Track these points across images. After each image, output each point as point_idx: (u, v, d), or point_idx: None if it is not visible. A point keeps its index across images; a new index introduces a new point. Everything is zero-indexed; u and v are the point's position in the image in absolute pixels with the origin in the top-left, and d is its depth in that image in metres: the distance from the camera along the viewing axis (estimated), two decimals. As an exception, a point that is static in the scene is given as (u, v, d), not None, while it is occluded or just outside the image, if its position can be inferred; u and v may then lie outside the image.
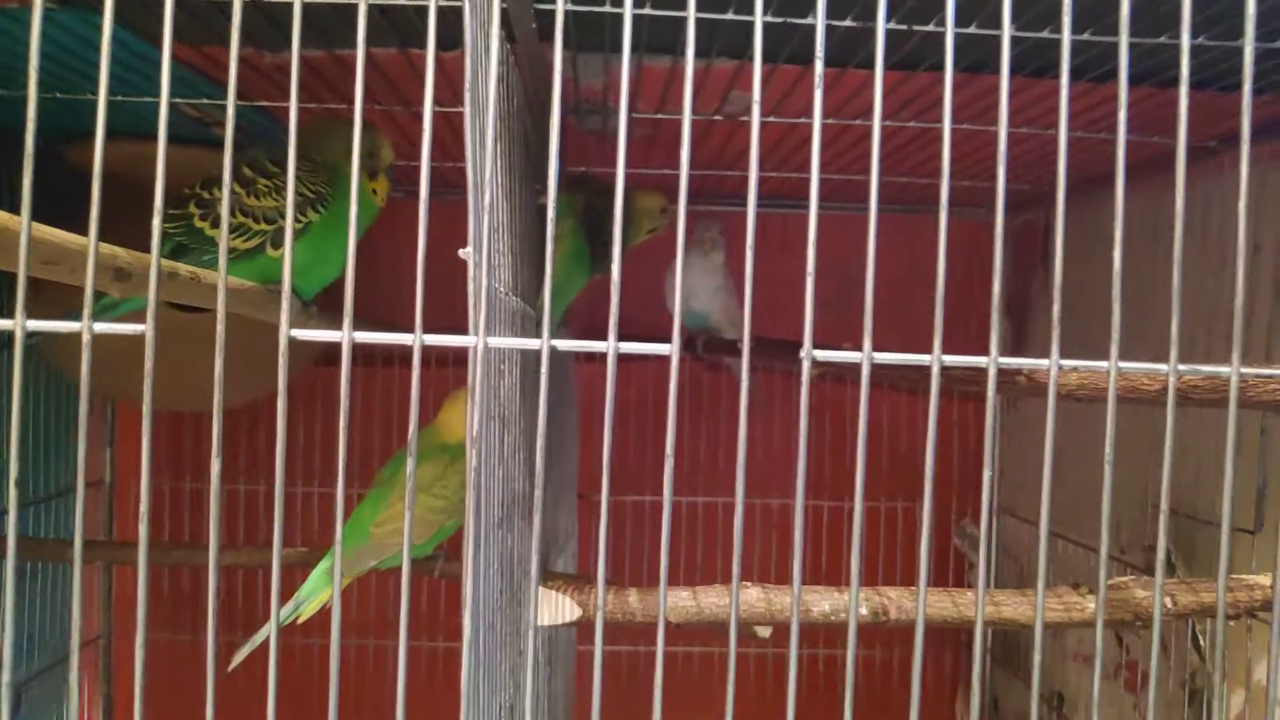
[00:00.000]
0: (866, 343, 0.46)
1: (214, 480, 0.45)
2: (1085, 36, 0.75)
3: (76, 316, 0.61)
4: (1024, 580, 1.44)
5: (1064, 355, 0.46)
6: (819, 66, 0.45)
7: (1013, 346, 1.45)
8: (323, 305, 0.87)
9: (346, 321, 0.44)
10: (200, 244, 0.77)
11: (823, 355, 0.46)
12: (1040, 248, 1.40)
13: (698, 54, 0.82)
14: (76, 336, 0.46)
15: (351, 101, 0.93)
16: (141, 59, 0.87)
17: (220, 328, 0.46)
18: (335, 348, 0.45)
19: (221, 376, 0.46)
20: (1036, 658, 0.50)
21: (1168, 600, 0.91)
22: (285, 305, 0.45)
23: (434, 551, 1.00)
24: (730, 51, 0.79)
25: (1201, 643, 1.03)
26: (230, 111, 0.48)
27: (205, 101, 0.95)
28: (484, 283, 0.44)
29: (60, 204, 0.67)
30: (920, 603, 0.49)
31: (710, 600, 0.87)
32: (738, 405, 0.46)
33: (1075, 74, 0.86)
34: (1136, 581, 0.92)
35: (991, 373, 0.46)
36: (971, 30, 0.72)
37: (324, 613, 0.94)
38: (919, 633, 0.49)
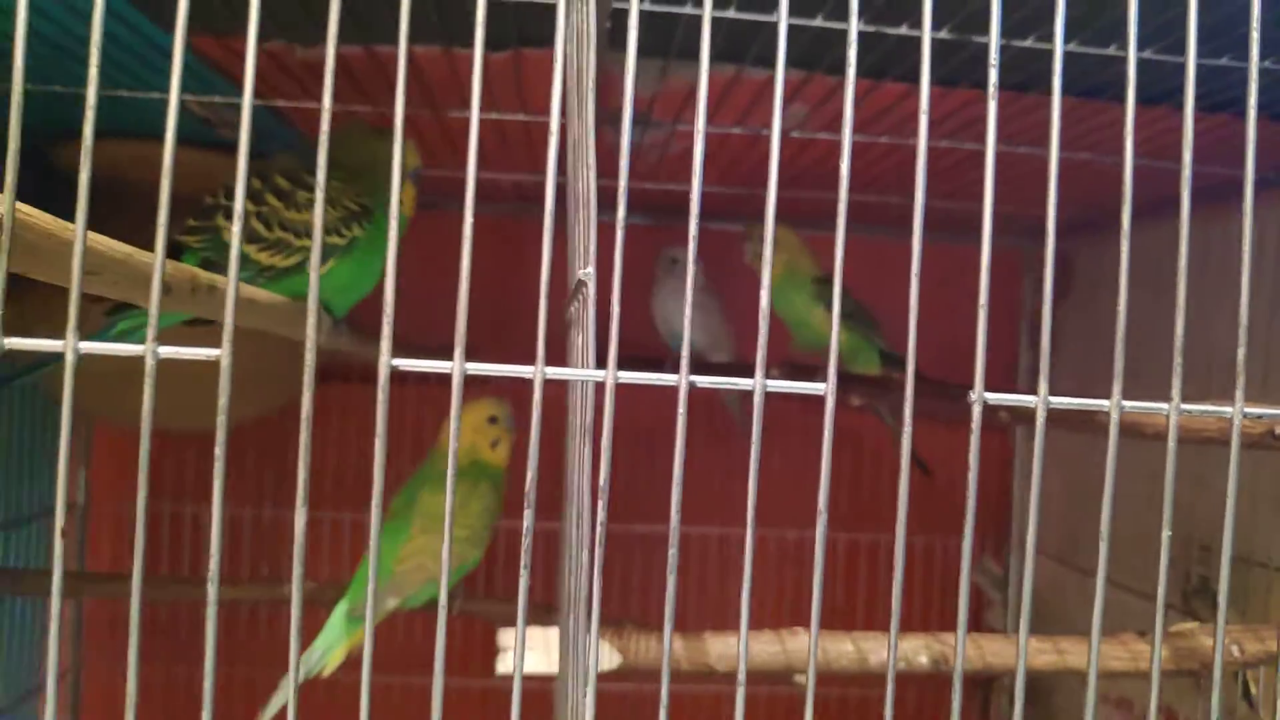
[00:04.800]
0: (1043, 385, 0.41)
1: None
2: (1148, 55, 0.71)
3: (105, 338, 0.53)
4: (1046, 622, 1.39)
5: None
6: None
7: (1032, 377, 1.41)
8: (352, 323, 0.80)
9: (458, 351, 0.38)
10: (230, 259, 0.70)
11: (995, 399, 0.40)
12: (1062, 280, 1.36)
13: (762, 63, 0.77)
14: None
15: (380, 103, 0.87)
16: (153, 47, 0.80)
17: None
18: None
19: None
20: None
21: (1234, 648, 0.87)
22: (387, 333, 0.38)
23: (451, 589, 0.93)
24: (801, 62, 0.74)
25: (1253, 691, 0.99)
26: (246, 112, 0.42)
27: (216, 100, 0.88)
28: (616, 310, 0.38)
29: (46, 209, 0.61)
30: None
31: (759, 648, 0.82)
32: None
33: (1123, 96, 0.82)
34: (1203, 629, 0.88)
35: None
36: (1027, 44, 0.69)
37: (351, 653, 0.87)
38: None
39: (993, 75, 0.41)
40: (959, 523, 1.38)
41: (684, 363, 0.39)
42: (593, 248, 0.41)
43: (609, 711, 1.25)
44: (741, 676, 0.40)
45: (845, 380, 1.01)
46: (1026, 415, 1.18)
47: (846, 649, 0.82)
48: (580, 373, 0.39)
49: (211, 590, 0.39)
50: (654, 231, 1.33)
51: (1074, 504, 1.31)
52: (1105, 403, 0.41)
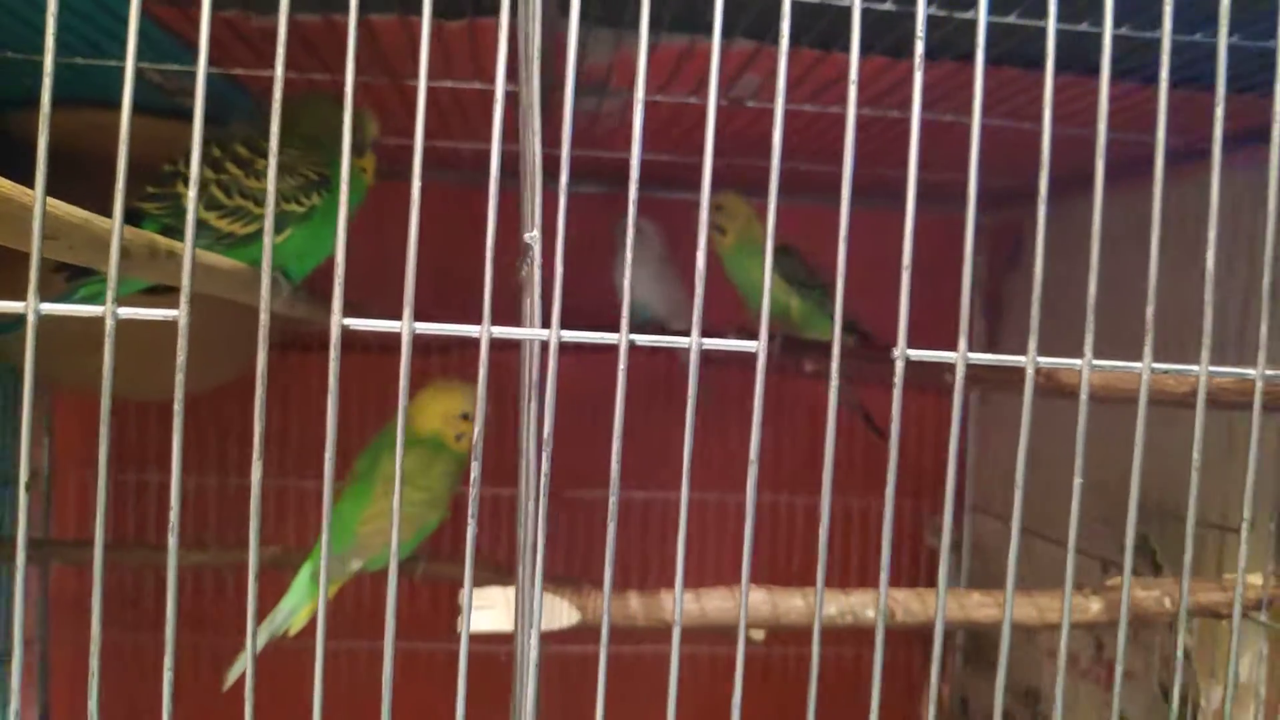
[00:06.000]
0: (962, 342, 0.43)
1: (255, 486, 0.40)
2: (1089, 28, 0.74)
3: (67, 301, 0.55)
4: (991, 579, 1.44)
5: (1042, 353, 0.44)
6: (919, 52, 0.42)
7: (986, 343, 1.45)
8: (310, 290, 0.81)
9: (407, 313, 0.40)
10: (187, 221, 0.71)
11: (917, 355, 0.43)
12: (1013, 249, 1.40)
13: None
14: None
15: (339, 72, 0.88)
16: (113, 16, 0.80)
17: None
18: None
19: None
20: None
21: (1166, 600, 0.91)
22: (338, 294, 0.40)
23: (414, 552, 0.95)
24: (754, 33, 0.76)
25: (1187, 642, 1.03)
26: (200, 80, 0.43)
27: (174, 68, 0.88)
28: (559, 271, 0.40)
29: (6, 177, 0.62)
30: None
31: (714, 604, 0.84)
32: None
33: (1066, 68, 0.85)
34: (1136, 582, 0.92)
35: (1085, 374, 0.44)
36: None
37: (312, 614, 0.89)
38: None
39: (919, 48, 0.43)
40: (914, 485, 1.43)
41: (624, 321, 0.41)
42: (538, 213, 0.43)
43: (573, 673, 1.28)
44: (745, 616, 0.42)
45: (798, 346, 1.04)
46: (979, 378, 1.21)
47: (796, 604, 0.85)
48: (525, 331, 0.41)
49: (171, 540, 0.41)
50: (614, 199, 1.35)
51: (1030, 468, 1.35)
52: (1022, 359, 0.43)
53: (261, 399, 0.40)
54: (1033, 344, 0.43)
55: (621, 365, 0.41)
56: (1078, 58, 0.79)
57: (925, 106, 0.96)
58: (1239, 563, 0.46)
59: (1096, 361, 0.44)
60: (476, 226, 0.40)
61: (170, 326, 0.41)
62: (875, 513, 1.45)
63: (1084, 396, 0.44)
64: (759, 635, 1.00)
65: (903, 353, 0.42)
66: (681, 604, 0.43)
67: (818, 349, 1.03)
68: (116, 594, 1.37)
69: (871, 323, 1.08)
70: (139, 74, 0.92)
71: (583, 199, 1.33)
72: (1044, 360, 0.44)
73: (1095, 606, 0.89)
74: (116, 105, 1.01)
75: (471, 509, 0.41)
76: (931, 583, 1.48)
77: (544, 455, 0.40)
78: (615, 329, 0.43)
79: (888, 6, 0.68)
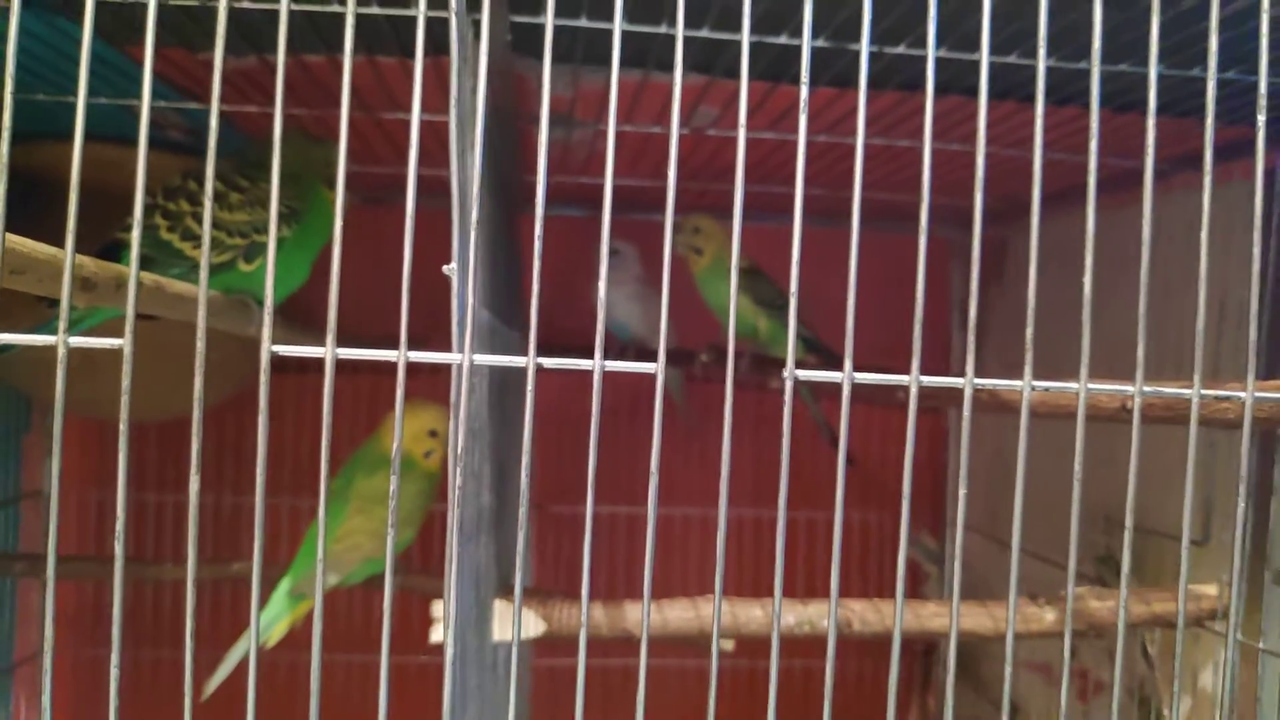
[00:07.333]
0: (847, 363, 0.46)
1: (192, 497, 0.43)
2: (1055, 64, 0.77)
3: (51, 330, 0.58)
4: (975, 591, 1.46)
5: (1017, 373, 0.48)
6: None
7: (965, 360, 1.47)
8: (288, 315, 0.86)
9: (330, 338, 0.43)
10: (167, 256, 0.75)
11: (804, 375, 0.46)
12: (995, 265, 1.42)
13: (665, 68, 0.83)
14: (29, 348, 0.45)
15: (312, 107, 0.92)
16: (97, 58, 0.85)
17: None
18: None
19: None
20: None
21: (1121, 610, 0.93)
22: (267, 322, 0.44)
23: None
24: (700, 67, 0.79)
25: (1150, 651, 1.05)
26: (145, 109, 0.47)
27: (162, 104, 0.93)
28: (470, 300, 0.43)
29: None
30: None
31: (675, 614, 0.87)
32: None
33: (1030, 97, 0.88)
34: (1091, 592, 0.94)
35: (967, 394, 0.47)
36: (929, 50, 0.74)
37: (293, 628, 0.92)
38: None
39: (804, 92, 0.46)
40: (892, 500, 1.47)
41: (531, 346, 0.45)
42: (456, 245, 0.47)
43: (542, 687, 1.31)
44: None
45: (765, 364, 1.07)
46: (955, 398, 1.23)
47: (756, 614, 0.87)
48: (440, 356, 0.45)
49: (118, 546, 0.45)
50: (590, 223, 1.39)
51: (997, 480, 1.37)
52: (905, 378, 0.46)
53: (198, 419, 0.43)
54: (915, 364, 0.46)
55: (530, 385, 0.44)
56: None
57: (880, 132, 0.99)
58: (1123, 567, 0.48)
59: (978, 381, 0.47)
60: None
61: (176, 350, 0.45)
62: (854, 526, 1.47)
63: (967, 413, 0.47)
64: (728, 645, 1.02)
65: (791, 373, 0.45)
66: (588, 614, 0.46)
67: (781, 366, 1.06)
68: (111, 610, 1.41)
69: (837, 340, 1.11)
70: (128, 110, 0.97)
71: (563, 222, 1.37)
72: (927, 380, 0.47)
73: (1049, 616, 0.91)
74: (106, 139, 1.06)
75: (391, 519, 0.44)
76: (915, 596, 1.51)
77: (457, 470, 0.43)
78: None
79: (821, 43, 0.71)
